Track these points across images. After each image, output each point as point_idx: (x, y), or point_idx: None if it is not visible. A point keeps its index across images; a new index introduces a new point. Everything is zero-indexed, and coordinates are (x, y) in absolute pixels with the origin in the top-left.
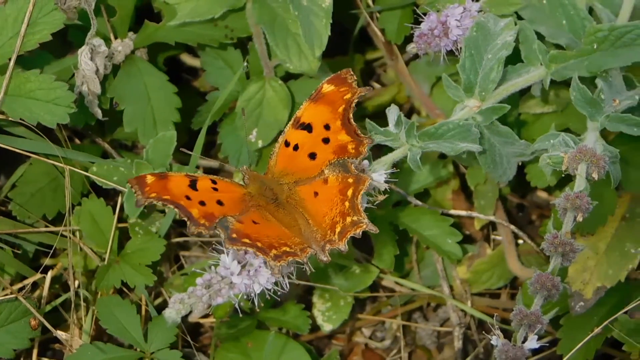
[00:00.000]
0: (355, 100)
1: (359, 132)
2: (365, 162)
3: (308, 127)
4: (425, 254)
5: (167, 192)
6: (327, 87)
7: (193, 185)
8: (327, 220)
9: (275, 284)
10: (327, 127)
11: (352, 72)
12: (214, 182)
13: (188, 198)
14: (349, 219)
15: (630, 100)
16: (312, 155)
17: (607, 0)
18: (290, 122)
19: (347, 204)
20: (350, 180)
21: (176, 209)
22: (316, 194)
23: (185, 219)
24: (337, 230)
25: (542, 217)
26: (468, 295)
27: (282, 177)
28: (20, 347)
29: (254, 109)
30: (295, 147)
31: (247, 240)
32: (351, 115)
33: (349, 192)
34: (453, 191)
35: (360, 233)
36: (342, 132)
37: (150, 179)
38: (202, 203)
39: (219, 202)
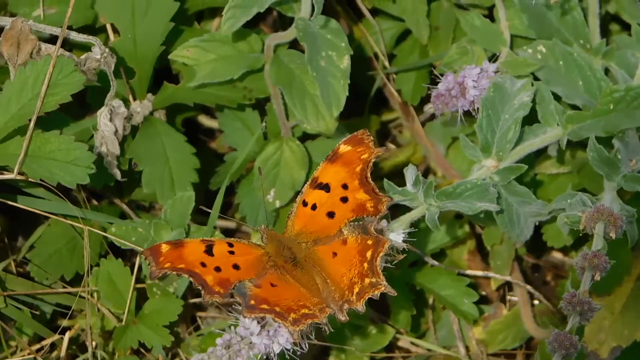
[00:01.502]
0: (373, 160)
1: (377, 190)
2: (384, 221)
3: (326, 187)
4: (441, 314)
5: (182, 260)
6: (344, 148)
7: (209, 250)
8: (346, 281)
9: (294, 344)
10: (344, 186)
11: (368, 133)
12: (230, 245)
13: (203, 265)
14: (367, 280)
15: None
16: (331, 214)
17: (622, 62)
18: (308, 183)
19: (365, 265)
20: (370, 242)
21: (190, 278)
22: (335, 254)
23: (200, 287)
24: (355, 291)
25: (557, 278)
26: (484, 355)
27: (300, 236)
28: None
29: (272, 169)
30: (314, 207)
31: (265, 307)
32: (369, 175)
33: (368, 254)
34: (469, 251)
35: (379, 295)
36: (360, 191)
37: (165, 247)
38: (217, 269)
39: (235, 266)
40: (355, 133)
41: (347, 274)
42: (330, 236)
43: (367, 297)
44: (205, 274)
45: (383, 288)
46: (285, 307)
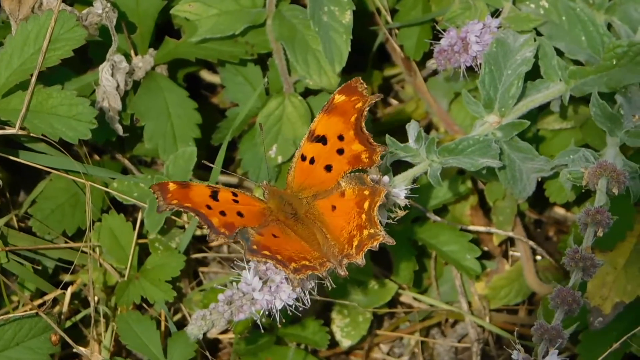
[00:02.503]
0: (367, 109)
1: (372, 140)
2: (386, 177)
3: (322, 140)
4: (443, 269)
5: (189, 200)
6: (338, 98)
7: (214, 195)
8: (345, 234)
9: (297, 299)
10: (340, 137)
11: (362, 81)
12: (234, 194)
13: (209, 207)
14: (365, 232)
15: None
16: (328, 168)
17: (625, 17)
18: (306, 136)
19: (363, 216)
20: (367, 192)
21: (197, 217)
22: (334, 207)
23: (206, 227)
24: (355, 243)
25: (559, 233)
26: (486, 311)
27: (301, 191)
28: None
29: (274, 125)
30: (312, 161)
31: (267, 253)
32: (364, 125)
33: (365, 205)
34: (471, 207)
35: (377, 246)
36: (356, 142)
37: (172, 186)
38: (222, 213)
39: (239, 214)
40: (349, 82)
41: (346, 227)
42: (329, 189)
43: (366, 249)
44: (211, 216)
45: (381, 238)
46: (287, 257)
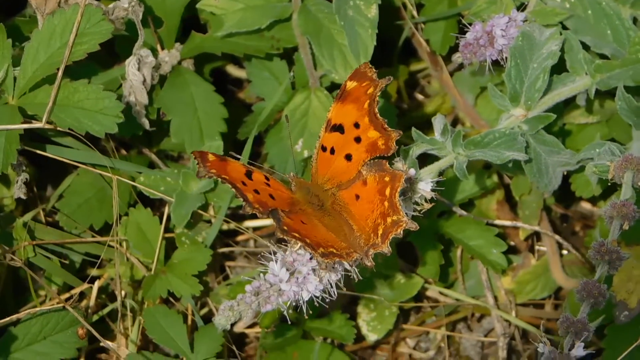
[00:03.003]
0: (378, 93)
1: (387, 126)
2: (412, 170)
3: (340, 129)
4: (470, 264)
5: (226, 172)
6: (350, 84)
7: (249, 175)
8: (370, 223)
9: (323, 291)
10: (356, 125)
11: (370, 66)
12: (266, 178)
13: (244, 184)
14: (389, 220)
15: None
16: (348, 157)
17: None
18: (324, 126)
19: (386, 203)
20: (387, 178)
21: (233, 189)
22: (357, 197)
23: (242, 199)
24: (380, 232)
25: (586, 228)
26: (512, 305)
27: (325, 182)
28: (68, 356)
29: (300, 119)
30: (332, 151)
31: (296, 235)
32: (377, 110)
33: (387, 191)
34: (498, 201)
35: (401, 233)
36: (371, 129)
37: (211, 157)
38: (256, 191)
39: (271, 196)
40: (358, 67)
41: (371, 215)
42: (352, 179)
43: (391, 237)
44: (246, 191)
45: (404, 224)
46: (315, 242)
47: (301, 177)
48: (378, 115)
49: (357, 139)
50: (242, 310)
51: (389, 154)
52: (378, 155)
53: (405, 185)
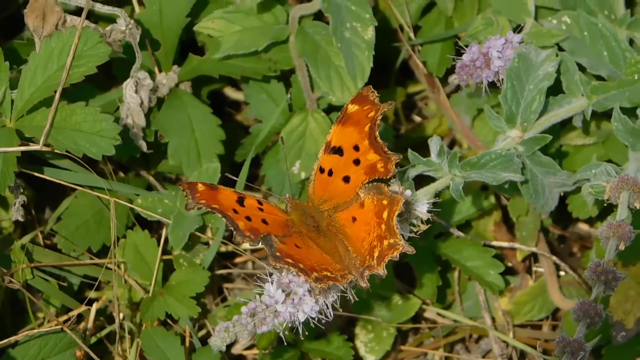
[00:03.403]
0: (380, 117)
1: (386, 149)
2: (408, 191)
3: (339, 151)
4: (467, 285)
5: (216, 202)
6: (351, 107)
7: (240, 201)
8: (366, 246)
9: (320, 312)
10: (356, 148)
11: (372, 89)
12: (259, 203)
13: (235, 211)
14: (386, 242)
15: None
16: (346, 179)
17: None
18: (322, 148)
19: (383, 226)
20: (385, 202)
21: (224, 218)
22: (354, 219)
23: (232, 229)
24: (376, 254)
25: (583, 249)
26: (510, 326)
27: (322, 204)
28: None
29: (297, 141)
30: (330, 173)
31: (289, 260)
32: (377, 134)
33: (385, 215)
34: (495, 222)
35: (398, 256)
36: (371, 152)
37: (200, 187)
38: (248, 218)
39: (264, 221)
40: (361, 91)
41: (367, 238)
42: (349, 201)
43: (387, 260)
44: (237, 219)
45: (401, 248)
46: (309, 266)
47: (297, 199)
48: (378, 138)
49: (356, 162)
50: (237, 332)
51: (387, 177)
52: (377, 177)
53: (403, 209)
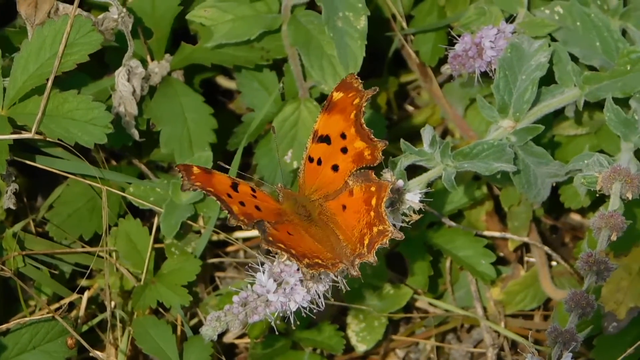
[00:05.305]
0: (364, 104)
1: (373, 136)
2: (400, 181)
3: (327, 139)
4: (459, 275)
5: (211, 185)
6: (336, 95)
7: (234, 187)
8: (356, 233)
9: (311, 302)
10: (343, 136)
11: (356, 76)
12: (253, 190)
13: (229, 196)
14: (375, 229)
15: None
16: (335, 167)
17: None
18: (310, 137)
19: (372, 213)
20: (373, 188)
21: (218, 202)
22: (344, 207)
23: (227, 212)
24: (366, 242)
25: (575, 239)
26: (502, 316)
27: (312, 193)
28: None
29: (289, 130)
30: (319, 162)
31: (281, 245)
32: (363, 121)
33: (373, 201)
34: (487, 212)
35: (387, 242)
36: (357, 139)
37: (196, 170)
38: (242, 203)
39: (257, 208)
40: (344, 78)
41: (357, 225)
42: (338, 189)
43: (377, 247)
44: (231, 203)
45: (390, 234)
46: (300, 253)
47: (289, 188)
48: (364, 125)
49: (344, 150)
50: (229, 321)
51: (375, 164)
52: (364, 165)
53: (391, 195)
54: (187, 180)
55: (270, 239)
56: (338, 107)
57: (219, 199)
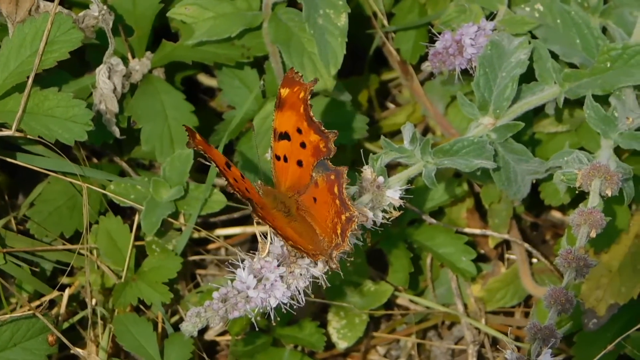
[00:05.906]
0: (309, 97)
1: (323, 128)
2: (380, 178)
3: (286, 136)
4: (440, 272)
5: (211, 154)
6: (283, 92)
7: (228, 165)
8: (329, 224)
9: (291, 298)
10: (299, 131)
11: (296, 71)
12: (242, 176)
13: (225, 170)
14: (343, 217)
15: None
16: (299, 163)
17: (620, 20)
18: (272, 136)
19: (337, 202)
20: (332, 176)
21: (217, 169)
22: (315, 200)
23: (224, 179)
24: (339, 231)
25: (556, 236)
26: (482, 313)
27: (287, 190)
28: None
29: (270, 128)
30: (285, 159)
31: (269, 222)
32: (312, 113)
33: (335, 189)
34: (467, 210)
35: (357, 227)
36: (311, 132)
37: (199, 137)
38: (235, 179)
39: (247, 189)
40: (287, 73)
41: (329, 216)
42: (307, 184)
43: (349, 234)
44: (228, 176)
45: (356, 219)
46: (284, 236)
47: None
48: (314, 118)
49: (302, 144)
50: (209, 317)
51: (330, 156)
52: (322, 158)
53: (348, 180)
54: (192, 141)
55: (260, 214)
56: (288, 103)
57: (218, 167)
